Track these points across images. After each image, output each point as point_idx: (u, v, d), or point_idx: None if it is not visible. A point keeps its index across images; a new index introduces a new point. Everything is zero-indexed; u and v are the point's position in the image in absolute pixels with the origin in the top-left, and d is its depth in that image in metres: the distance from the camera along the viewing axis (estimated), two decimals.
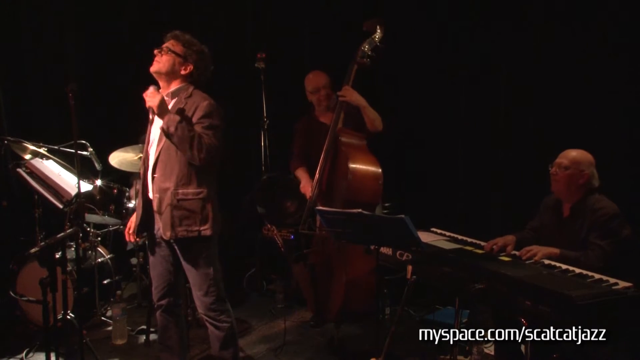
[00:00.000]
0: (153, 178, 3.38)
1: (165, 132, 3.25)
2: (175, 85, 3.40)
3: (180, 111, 3.31)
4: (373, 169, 4.17)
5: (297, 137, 4.67)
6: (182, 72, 3.38)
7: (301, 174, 4.54)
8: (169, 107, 3.34)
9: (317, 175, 4.28)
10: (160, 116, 3.26)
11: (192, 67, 3.38)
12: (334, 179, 4.22)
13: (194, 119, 3.29)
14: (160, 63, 3.35)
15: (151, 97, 3.27)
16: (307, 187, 4.41)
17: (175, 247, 3.41)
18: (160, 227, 3.38)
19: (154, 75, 3.39)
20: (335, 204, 4.10)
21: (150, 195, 3.43)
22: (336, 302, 4.12)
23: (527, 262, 3.15)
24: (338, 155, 4.21)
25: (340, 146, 4.20)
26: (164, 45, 3.37)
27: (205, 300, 3.42)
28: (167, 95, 3.39)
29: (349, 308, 4.09)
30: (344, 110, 4.29)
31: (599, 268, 3.02)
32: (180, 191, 3.31)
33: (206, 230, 3.34)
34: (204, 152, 3.22)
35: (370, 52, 4.25)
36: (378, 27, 4.27)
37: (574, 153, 3.40)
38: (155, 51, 3.36)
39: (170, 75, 3.38)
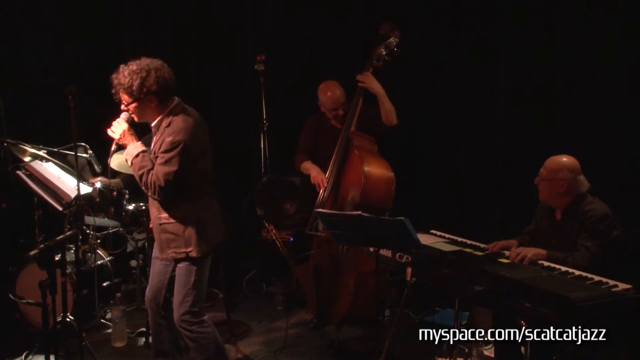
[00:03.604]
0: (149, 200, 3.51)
1: (127, 162, 3.38)
2: (158, 117, 3.35)
3: (157, 135, 3.35)
4: (387, 173, 4.16)
5: (305, 134, 4.64)
6: (153, 106, 3.31)
7: (309, 165, 4.48)
8: (153, 140, 3.36)
9: (326, 176, 4.28)
10: (124, 145, 3.36)
11: (153, 97, 3.27)
12: (345, 182, 4.20)
13: (159, 150, 3.28)
14: (133, 114, 3.36)
15: (115, 128, 3.35)
16: (319, 176, 4.34)
17: None
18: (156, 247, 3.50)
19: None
20: (346, 208, 4.08)
21: None
22: (343, 305, 4.12)
23: (521, 264, 3.16)
24: (350, 158, 4.19)
25: (353, 149, 4.18)
26: (122, 102, 3.33)
27: (178, 308, 3.42)
28: (153, 129, 3.41)
29: (355, 311, 4.08)
30: (361, 100, 4.25)
31: (583, 268, 3.04)
32: (162, 216, 3.38)
33: (192, 252, 3.35)
34: (150, 190, 3.28)
35: (387, 57, 4.25)
36: (395, 31, 4.26)
37: (553, 162, 3.41)
38: (122, 107, 3.35)
39: (150, 116, 3.35)
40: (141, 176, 3.27)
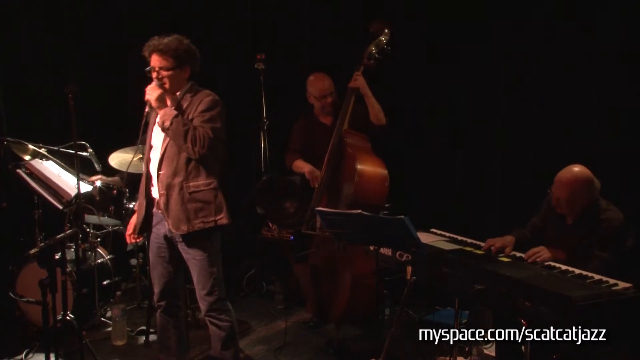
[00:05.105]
0: (159, 175, 3.40)
1: (161, 126, 3.33)
2: (182, 90, 3.42)
3: (182, 108, 3.37)
4: (380, 170, 4.16)
5: (295, 135, 4.67)
6: (186, 77, 3.41)
7: (302, 164, 4.52)
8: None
9: (321, 174, 4.29)
10: (158, 109, 3.34)
11: (189, 67, 3.40)
12: (339, 180, 4.21)
13: (195, 113, 3.32)
14: (165, 84, 3.36)
15: (150, 92, 3.35)
16: (314, 171, 4.38)
17: (180, 245, 3.42)
18: (169, 224, 3.37)
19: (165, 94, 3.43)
20: (341, 205, 4.09)
21: (155, 194, 3.46)
22: (340, 304, 4.12)
23: (521, 263, 3.14)
24: (344, 156, 4.20)
25: (346, 147, 4.19)
26: (156, 67, 3.34)
27: (207, 299, 3.43)
28: (170, 103, 3.41)
29: (353, 310, 4.09)
30: (354, 99, 4.27)
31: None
32: (191, 184, 3.35)
33: (222, 219, 3.38)
34: (198, 145, 3.25)
35: (378, 55, 4.26)
36: (385, 29, 4.28)
37: (570, 182, 3.28)
38: (152, 75, 3.36)
39: (178, 87, 3.41)
40: (187, 131, 3.25)
